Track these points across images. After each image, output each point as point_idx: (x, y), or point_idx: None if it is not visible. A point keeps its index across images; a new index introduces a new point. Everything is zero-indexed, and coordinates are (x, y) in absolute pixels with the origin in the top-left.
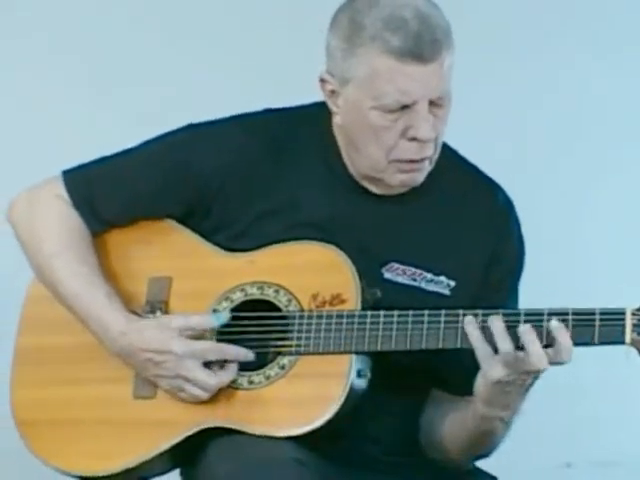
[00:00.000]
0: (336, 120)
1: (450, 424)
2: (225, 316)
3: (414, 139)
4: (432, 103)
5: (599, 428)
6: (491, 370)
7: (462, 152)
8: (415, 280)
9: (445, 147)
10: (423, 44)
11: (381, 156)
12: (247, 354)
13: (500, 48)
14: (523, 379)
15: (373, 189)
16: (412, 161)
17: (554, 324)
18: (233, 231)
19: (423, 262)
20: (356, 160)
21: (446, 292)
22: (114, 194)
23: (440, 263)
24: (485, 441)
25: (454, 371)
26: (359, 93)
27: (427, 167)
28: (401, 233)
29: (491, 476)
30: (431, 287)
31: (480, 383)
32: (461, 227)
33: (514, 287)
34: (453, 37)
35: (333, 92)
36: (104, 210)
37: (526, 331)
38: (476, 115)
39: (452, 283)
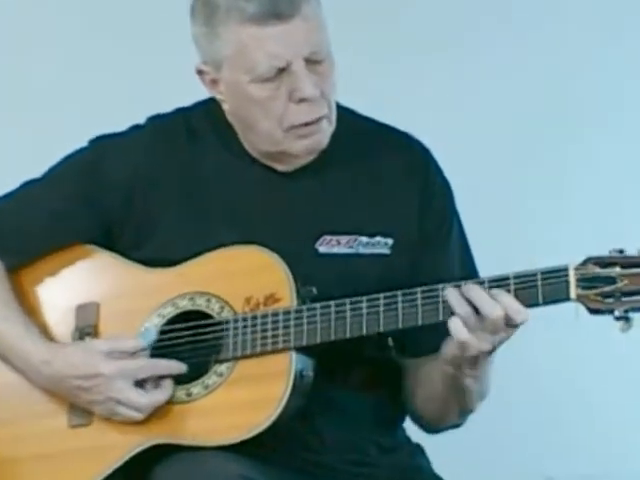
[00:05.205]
0: (225, 108)
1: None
2: (152, 333)
3: (302, 100)
4: (309, 61)
5: (580, 442)
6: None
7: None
8: (352, 247)
9: (343, 110)
10: (278, 2)
11: (275, 127)
12: (180, 367)
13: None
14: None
15: (281, 167)
16: (308, 124)
17: (495, 292)
18: (156, 242)
19: (354, 227)
20: (255, 140)
21: (386, 251)
22: (25, 227)
23: (371, 224)
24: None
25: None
26: (234, 72)
27: (327, 128)
28: (325, 204)
29: None
30: (369, 250)
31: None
32: (383, 184)
33: (456, 230)
34: None
35: (213, 81)
36: (17, 245)
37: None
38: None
39: (390, 241)
